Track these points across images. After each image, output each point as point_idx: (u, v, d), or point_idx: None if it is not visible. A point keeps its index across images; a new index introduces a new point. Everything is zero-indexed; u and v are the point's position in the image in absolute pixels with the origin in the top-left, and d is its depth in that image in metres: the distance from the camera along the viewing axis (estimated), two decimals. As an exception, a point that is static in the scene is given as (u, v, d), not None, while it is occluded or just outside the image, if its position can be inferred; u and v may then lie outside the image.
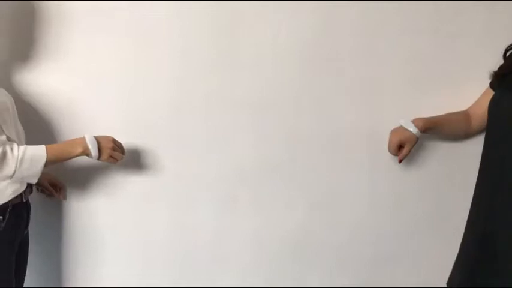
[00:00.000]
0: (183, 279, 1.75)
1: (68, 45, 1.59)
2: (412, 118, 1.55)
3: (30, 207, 1.57)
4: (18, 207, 1.46)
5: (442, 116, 1.58)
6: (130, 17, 1.58)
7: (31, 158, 1.36)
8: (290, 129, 1.67)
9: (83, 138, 1.46)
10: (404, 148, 1.55)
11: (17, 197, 1.44)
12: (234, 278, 1.74)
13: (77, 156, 1.46)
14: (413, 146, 1.55)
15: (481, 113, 1.51)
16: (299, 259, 1.74)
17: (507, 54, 1.49)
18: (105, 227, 1.74)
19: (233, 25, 1.59)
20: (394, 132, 1.56)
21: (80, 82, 1.63)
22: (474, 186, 1.48)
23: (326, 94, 1.65)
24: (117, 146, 1.52)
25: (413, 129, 1.53)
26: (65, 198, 1.68)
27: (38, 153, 1.38)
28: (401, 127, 1.55)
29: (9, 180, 1.39)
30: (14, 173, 1.34)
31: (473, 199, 1.50)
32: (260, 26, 1.59)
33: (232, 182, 1.71)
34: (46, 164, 1.39)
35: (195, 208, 1.72)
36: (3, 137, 1.35)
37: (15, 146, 1.35)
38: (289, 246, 1.73)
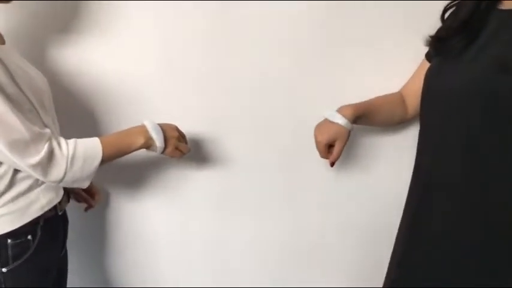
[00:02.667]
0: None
1: (119, 17, 1.31)
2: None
3: (67, 220, 1.26)
4: (53, 222, 1.16)
5: (372, 99, 1.28)
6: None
7: (84, 156, 1.05)
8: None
9: (143, 126, 1.15)
10: (335, 147, 1.20)
11: (50, 209, 1.13)
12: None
13: (138, 149, 1.15)
14: (345, 142, 1.20)
15: (418, 90, 1.17)
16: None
17: (446, 16, 1.16)
18: (154, 233, 1.50)
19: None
20: (318, 128, 1.22)
21: (131, 61, 1.34)
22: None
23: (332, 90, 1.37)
24: (181, 136, 1.21)
25: (341, 120, 1.18)
26: (92, 205, 1.38)
27: (91, 148, 1.07)
28: (326, 121, 1.21)
29: (42, 187, 1.09)
30: (64, 176, 1.04)
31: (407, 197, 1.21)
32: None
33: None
34: (102, 162, 1.08)
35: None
36: (48, 131, 1.04)
37: (62, 140, 1.05)
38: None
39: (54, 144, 1.02)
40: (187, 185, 1.44)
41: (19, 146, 0.98)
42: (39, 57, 1.28)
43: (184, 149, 1.21)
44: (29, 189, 1.08)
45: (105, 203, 1.46)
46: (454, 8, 1.15)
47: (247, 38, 1.31)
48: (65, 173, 1.03)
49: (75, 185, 1.09)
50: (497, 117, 0.98)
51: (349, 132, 1.20)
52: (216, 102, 1.36)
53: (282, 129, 1.38)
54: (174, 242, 1.50)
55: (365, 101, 1.25)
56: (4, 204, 1.05)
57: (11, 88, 0.98)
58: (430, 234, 1.10)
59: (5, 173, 1.04)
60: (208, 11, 1.28)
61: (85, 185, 1.10)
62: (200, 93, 1.36)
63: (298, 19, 1.29)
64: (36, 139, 0.99)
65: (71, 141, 1.06)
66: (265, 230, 1.48)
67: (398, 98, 1.28)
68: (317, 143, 1.21)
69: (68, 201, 1.25)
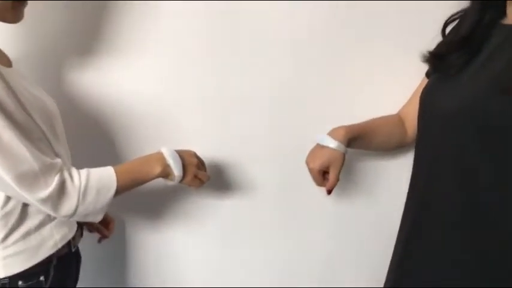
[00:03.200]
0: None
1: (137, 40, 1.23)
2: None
3: (80, 256, 1.17)
4: (66, 260, 1.07)
5: (367, 121, 1.18)
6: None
7: (97, 187, 0.96)
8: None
9: (160, 153, 1.07)
10: (330, 174, 1.10)
11: (64, 246, 1.04)
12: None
13: (154, 178, 1.06)
14: (340, 167, 1.10)
15: (417, 112, 1.09)
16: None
17: (447, 30, 1.08)
18: (174, 264, 1.39)
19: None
20: (310, 155, 1.13)
21: (151, 82, 1.26)
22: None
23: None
24: (200, 164, 1.13)
25: (332, 143, 1.09)
26: (107, 235, 1.28)
27: (105, 178, 0.98)
28: (317, 146, 1.12)
29: (55, 222, 1.01)
30: (76, 210, 0.95)
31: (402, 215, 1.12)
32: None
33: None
34: (116, 193, 0.99)
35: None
36: (59, 161, 0.95)
37: (74, 171, 0.96)
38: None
39: (66, 175, 0.93)
40: (209, 212, 1.35)
41: (28, 179, 0.89)
42: (48, 80, 1.21)
43: (203, 177, 1.12)
44: (41, 224, 0.99)
45: (120, 233, 1.36)
46: (456, 22, 1.07)
47: (266, 57, 1.24)
48: (77, 207, 0.94)
49: (88, 219, 1.01)
50: (496, 141, 0.89)
51: (343, 156, 1.10)
52: (236, 125, 1.29)
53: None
54: (196, 273, 1.40)
55: (359, 123, 1.16)
56: (14, 243, 0.96)
57: (19, 114, 0.89)
58: (426, 245, 1.02)
59: (14, 208, 0.95)
60: (226, 31, 1.22)
61: (98, 218, 1.01)
62: (220, 117, 1.28)
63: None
64: (47, 170, 0.91)
65: (83, 172, 0.97)
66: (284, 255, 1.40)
67: (397, 119, 1.19)
68: (309, 170, 1.11)
69: (81, 235, 1.15)
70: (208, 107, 1.27)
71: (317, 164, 1.09)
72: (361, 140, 1.14)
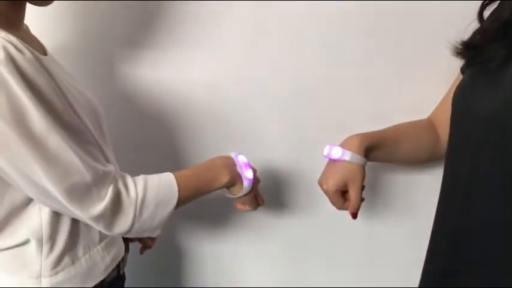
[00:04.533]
0: None
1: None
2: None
3: (125, 278, 1.01)
4: (115, 284, 0.92)
5: (390, 127, 0.98)
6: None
7: (156, 199, 0.79)
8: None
9: (230, 159, 0.91)
10: (350, 193, 0.91)
11: (113, 269, 0.89)
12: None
13: (221, 187, 0.90)
14: (361, 182, 0.91)
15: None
16: None
17: (484, 14, 0.85)
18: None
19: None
20: (323, 175, 0.93)
21: (217, 75, 1.09)
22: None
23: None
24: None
25: (347, 155, 0.89)
26: (150, 245, 1.11)
27: (165, 188, 0.81)
28: (329, 163, 0.93)
29: (104, 242, 0.86)
30: (131, 227, 0.78)
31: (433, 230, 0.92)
32: None
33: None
34: (177, 205, 0.83)
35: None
36: (112, 168, 0.79)
37: (129, 179, 0.79)
38: None
39: (120, 186, 0.77)
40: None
41: (79, 192, 0.72)
42: (88, 75, 1.05)
43: (260, 201, 0.98)
44: (91, 244, 0.84)
45: (169, 242, 1.20)
46: (496, 4, 0.84)
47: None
48: (133, 223, 0.78)
49: (143, 235, 0.84)
50: None
51: (362, 169, 0.90)
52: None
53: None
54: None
55: (381, 130, 0.97)
56: (63, 268, 0.81)
57: (66, 111, 0.73)
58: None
59: (62, 225, 0.80)
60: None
61: (154, 234, 0.84)
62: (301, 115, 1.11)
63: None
64: (100, 181, 0.74)
65: (139, 181, 0.80)
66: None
67: (427, 123, 1.00)
68: (325, 192, 0.92)
69: (128, 250, 0.99)
70: (281, 104, 1.11)
71: (331, 184, 0.90)
72: (383, 150, 0.95)
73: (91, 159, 0.74)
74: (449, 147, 0.88)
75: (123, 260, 0.94)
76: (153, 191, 0.79)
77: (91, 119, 0.81)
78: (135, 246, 1.06)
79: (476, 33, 0.86)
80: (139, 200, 0.77)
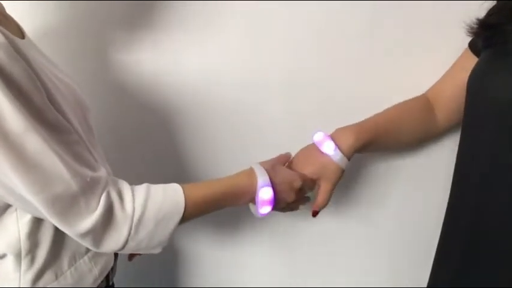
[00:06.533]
0: None
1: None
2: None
3: (114, 287, 0.92)
4: None
5: (384, 114, 0.92)
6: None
7: (156, 216, 0.69)
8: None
9: (253, 186, 0.78)
10: (321, 189, 0.87)
11: (102, 281, 0.81)
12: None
13: (236, 206, 0.80)
14: (335, 184, 0.87)
15: (454, 93, 0.87)
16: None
17: None
18: None
19: None
20: (302, 160, 0.88)
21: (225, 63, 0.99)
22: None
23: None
24: (307, 185, 0.85)
25: (338, 158, 0.85)
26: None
27: (170, 204, 0.70)
28: (314, 147, 0.87)
29: (92, 252, 0.76)
30: (124, 246, 0.68)
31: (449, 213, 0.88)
32: None
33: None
34: (181, 222, 0.72)
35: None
36: (103, 173, 0.68)
37: (125, 188, 0.69)
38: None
39: (113, 195, 0.66)
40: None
41: (64, 204, 0.62)
42: (72, 62, 0.94)
43: (295, 207, 0.87)
44: (77, 255, 0.75)
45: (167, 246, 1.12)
46: None
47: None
48: (126, 242, 0.68)
49: (140, 252, 0.76)
50: None
51: (343, 172, 0.86)
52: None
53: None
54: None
55: (374, 118, 0.91)
56: (46, 284, 0.72)
57: (46, 107, 0.62)
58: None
59: (43, 235, 0.70)
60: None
61: (156, 251, 0.74)
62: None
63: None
64: (89, 190, 0.64)
65: (140, 192, 0.69)
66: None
67: (423, 104, 0.93)
68: (299, 175, 0.85)
69: (117, 259, 0.90)
70: (281, 95, 1.01)
71: (307, 172, 0.85)
72: (375, 145, 0.90)
73: (78, 164, 0.64)
74: (464, 134, 0.82)
75: (113, 269, 0.85)
76: (154, 207, 0.69)
77: (77, 114, 0.71)
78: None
79: (493, 11, 0.79)
80: (136, 217, 0.67)
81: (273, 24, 0.96)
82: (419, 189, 1.06)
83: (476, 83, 0.78)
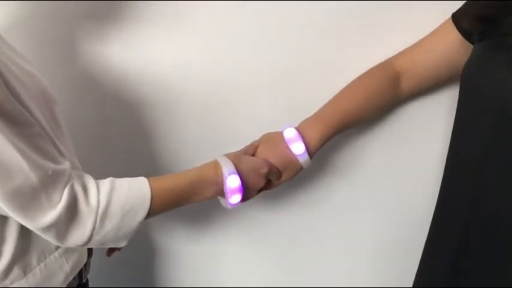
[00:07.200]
0: None
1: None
2: None
3: (88, 285, 0.90)
4: None
5: (352, 100, 0.89)
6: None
7: (122, 209, 0.67)
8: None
9: (219, 176, 0.77)
10: (283, 175, 0.86)
11: (74, 278, 0.79)
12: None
13: (203, 201, 0.78)
14: (291, 178, 0.87)
15: (427, 67, 0.85)
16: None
17: None
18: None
19: None
20: (268, 151, 0.85)
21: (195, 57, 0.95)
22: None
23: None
24: (273, 173, 0.84)
25: (304, 160, 0.85)
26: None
27: (136, 197, 0.69)
28: (280, 138, 0.86)
29: (63, 248, 0.75)
30: (89, 240, 0.67)
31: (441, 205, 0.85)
32: None
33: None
34: (148, 216, 0.71)
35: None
36: (67, 166, 0.67)
37: (89, 181, 0.68)
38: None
39: (77, 189, 0.65)
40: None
41: (24, 198, 0.61)
42: (43, 54, 0.92)
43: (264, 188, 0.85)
44: (46, 251, 0.73)
45: (142, 240, 1.10)
46: None
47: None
48: (91, 236, 0.66)
49: (106, 246, 0.74)
50: None
51: (301, 169, 0.86)
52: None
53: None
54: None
55: (343, 107, 0.88)
56: (13, 281, 0.70)
57: (6, 100, 0.60)
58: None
59: (8, 231, 0.68)
60: None
61: (120, 245, 0.73)
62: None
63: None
64: (50, 183, 0.62)
65: (104, 184, 0.68)
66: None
67: (391, 79, 0.88)
68: (263, 162, 0.84)
69: (91, 255, 0.88)
70: (260, 86, 0.98)
71: (271, 162, 0.83)
72: (341, 132, 0.88)
73: (39, 156, 0.62)
74: (457, 128, 0.80)
75: (86, 266, 0.83)
76: (119, 199, 0.67)
77: (41, 106, 0.69)
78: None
79: (487, 4, 0.76)
80: (101, 210, 0.66)
81: (247, 19, 0.92)
82: (409, 183, 1.04)
83: (474, 76, 0.75)
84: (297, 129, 0.85)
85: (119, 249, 0.95)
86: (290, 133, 0.85)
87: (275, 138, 0.86)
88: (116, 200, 0.67)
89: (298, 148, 0.84)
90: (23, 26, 0.91)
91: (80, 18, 0.91)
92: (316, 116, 0.87)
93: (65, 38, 0.93)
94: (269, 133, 0.88)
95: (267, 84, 0.96)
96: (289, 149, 0.84)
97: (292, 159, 0.84)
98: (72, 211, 0.64)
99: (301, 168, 0.86)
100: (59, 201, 0.62)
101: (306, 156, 0.84)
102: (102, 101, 0.96)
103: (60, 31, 0.93)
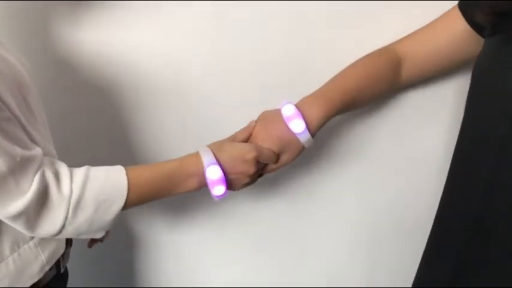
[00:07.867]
0: None
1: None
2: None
3: (67, 275, 0.88)
4: (54, 284, 0.79)
5: (353, 81, 0.86)
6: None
7: (97, 199, 0.66)
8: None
9: (200, 168, 0.74)
10: (280, 160, 0.82)
11: (51, 268, 0.77)
12: None
13: (184, 193, 0.76)
14: (295, 158, 0.83)
15: (430, 56, 0.84)
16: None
17: None
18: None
19: None
20: (264, 134, 0.82)
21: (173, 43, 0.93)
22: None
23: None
24: (265, 157, 0.80)
25: (306, 140, 0.81)
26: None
27: (111, 187, 0.67)
28: (279, 118, 0.81)
29: (37, 240, 0.73)
30: (61, 230, 0.65)
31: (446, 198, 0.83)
32: None
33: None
34: (124, 208, 0.69)
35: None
36: (38, 152, 0.65)
37: (62, 168, 0.66)
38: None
39: (49, 176, 0.63)
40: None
41: None
42: (21, 37, 0.89)
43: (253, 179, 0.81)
44: (20, 241, 0.71)
45: (123, 235, 1.08)
46: None
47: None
48: (63, 226, 0.65)
49: (82, 237, 0.71)
50: None
51: (303, 149, 0.82)
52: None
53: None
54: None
55: (343, 87, 0.85)
56: None
57: None
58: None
59: None
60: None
61: (96, 236, 0.71)
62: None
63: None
64: (19, 169, 0.60)
65: (79, 172, 0.66)
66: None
67: (392, 65, 0.87)
68: (257, 147, 0.80)
69: (71, 245, 0.86)
70: (245, 78, 0.96)
71: (268, 144, 0.80)
72: (340, 113, 0.85)
73: (7, 142, 0.60)
74: (466, 128, 0.77)
75: (64, 256, 0.81)
76: (94, 188, 0.65)
77: (12, 90, 0.66)
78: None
79: None
80: (73, 198, 0.64)
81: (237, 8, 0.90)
82: (411, 182, 1.03)
83: (486, 72, 0.72)
84: (297, 106, 0.81)
85: (101, 240, 0.93)
86: (289, 110, 0.80)
87: (272, 117, 0.82)
88: (90, 189, 0.65)
89: (298, 126, 0.79)
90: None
91: (58, 4, 0.88)
92: (317, 94, 0.83)
93: (39, 24, 0.90)
94: (267, 111, 0.84)
95: (253, 72, 0.94)
96: (288, 128, 0.80)
97: (291, 138, 0.80)
98: (42, 198, 0.62)
99: (303, 148, 0.82)
100: (29, 188, 0.60)
101: (307, 135, 0.80)
102: (79, 88, 0.93)
103: (39, 20, 0.89)
